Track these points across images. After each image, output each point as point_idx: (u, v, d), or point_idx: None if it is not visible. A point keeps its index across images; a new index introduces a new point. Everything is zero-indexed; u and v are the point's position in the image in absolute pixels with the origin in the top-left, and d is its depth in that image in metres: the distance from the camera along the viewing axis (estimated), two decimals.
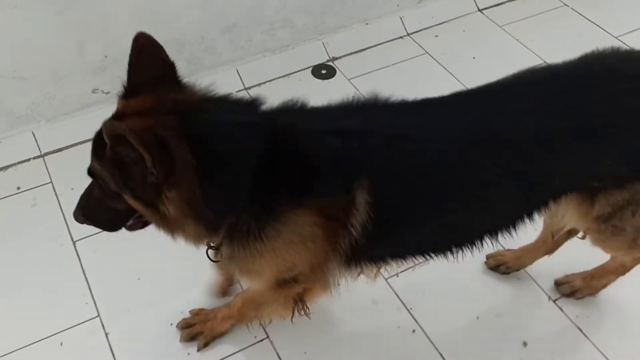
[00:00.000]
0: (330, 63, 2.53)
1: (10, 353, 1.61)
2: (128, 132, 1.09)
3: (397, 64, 2.51)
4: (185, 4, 2.18)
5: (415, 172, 1.30)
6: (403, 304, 1.74)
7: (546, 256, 1.80)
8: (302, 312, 1.57)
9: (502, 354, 1.65)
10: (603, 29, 2.62)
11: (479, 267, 1.83)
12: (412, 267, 1.60)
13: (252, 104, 1.30)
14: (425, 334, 1.67)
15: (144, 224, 1.37)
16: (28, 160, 2.14)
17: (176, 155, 1.15)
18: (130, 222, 1.39)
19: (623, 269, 1.77)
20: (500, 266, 1.84)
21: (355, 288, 1.55)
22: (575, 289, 1.79)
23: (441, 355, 1.63)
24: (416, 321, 1.70)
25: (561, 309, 1.74)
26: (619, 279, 1.76)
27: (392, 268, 1.55)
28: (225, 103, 1.30)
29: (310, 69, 2.50)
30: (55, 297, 1.74)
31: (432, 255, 1.48)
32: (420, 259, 1.51)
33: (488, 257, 1.85)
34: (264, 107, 1.30)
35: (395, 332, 1.69)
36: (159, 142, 1.13)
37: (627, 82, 1.33)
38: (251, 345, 1.68)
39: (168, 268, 1.79)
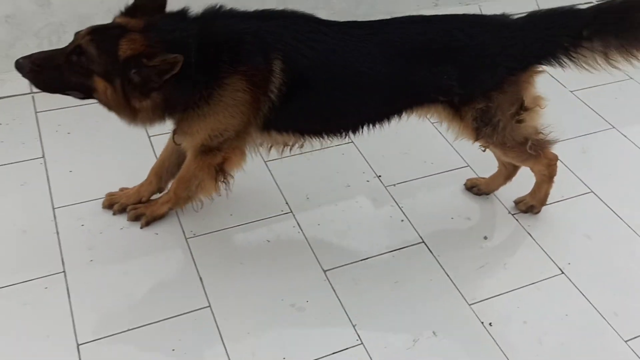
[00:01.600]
0: None
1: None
2: (174, 61, 1.60)
3: None
4: None
5: (313, 52, 1.78)
6: (400, 208, 2.27)
7: (507, 182, 2.26)
8: (224, 182, 1.97)
9: (466, 242, 2.17)
10: None
11: (458, 188, 2.36)
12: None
13: (184, 14, 1.78)
14: (412, 225, 2.19)
15: (82, 98, 1.79)
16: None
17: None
18: (71, 93, 1.77)
19: (547, 177, 2.18)
20: (473, 187, 2.34)
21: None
22: (528, 204, 2.25)
23: (425, 243, 2.15)
24: (405, 215, 2.22)
25: (517, 220, 2.25)
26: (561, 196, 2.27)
27: (295, 147, 2.00)
28: (169, 19, 1.75)
29: None
30: None
31: (325, 134, 1.96)
32: (316, 139, 1.97)
33: (467, 180, 2.37)
34: (192, 13, 1.78)
35: (388, 221, 2.21)
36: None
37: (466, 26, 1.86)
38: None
39: None
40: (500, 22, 1.90)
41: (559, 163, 2.17)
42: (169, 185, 2.12)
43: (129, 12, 1.76)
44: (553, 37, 1.86)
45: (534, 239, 2.17)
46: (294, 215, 2.19)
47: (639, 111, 2.84)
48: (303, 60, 1.77)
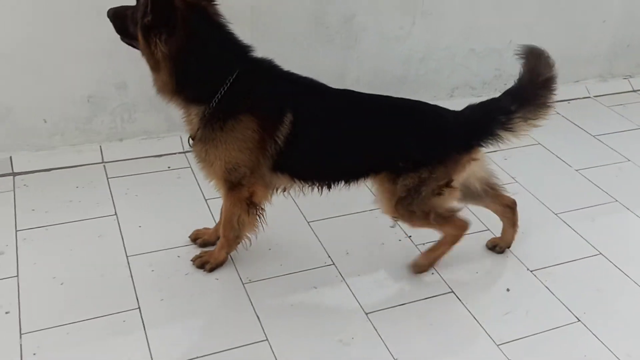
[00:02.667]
0: None
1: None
2: None
3: None
4: None
5: (319, 118, 2.14)
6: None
7: (516, 227, 2.56)
8: (258, 214, 2.26)
9: (491, 293, 2.44)
10: None
11: (480, 248, 2.65)
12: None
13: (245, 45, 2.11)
14: (441, 277, 2.47)
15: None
16: (175, 153, 3.13)
17: (172, 18, 1.90)
18: (133, 42, 2.03)
19: (450, 242, 2.43)
20: (495, 247, 2.61)
21: None
22: (419, 265, 2.46)
23: (454, 293, 2.41)
24: (434, 269, 2.50)
25: (535, 275, 2.52)
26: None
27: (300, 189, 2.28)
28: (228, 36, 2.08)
29: None
30: None
31: (318, 181, 2.26)
32: (313, 185, 2.27)
33: (488, 241, 2.64)
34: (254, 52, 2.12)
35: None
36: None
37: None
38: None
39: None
40: (452, 111, 2.28)
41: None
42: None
43: None
44: (492, 118, 2.22)
45: (551, 292, 2.43)
46: (336, 266, 2.47)
47: (638, 187, 3.17)
48: (308, 118, 2.14)
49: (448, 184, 2.23)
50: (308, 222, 2.69)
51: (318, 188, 2.31)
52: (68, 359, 2.00)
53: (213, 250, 2.42)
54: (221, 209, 2.42)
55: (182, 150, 3.12)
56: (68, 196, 2.74)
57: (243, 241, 2.37)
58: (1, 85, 2.74)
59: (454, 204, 2.34)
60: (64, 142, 2.95)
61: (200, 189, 2.84)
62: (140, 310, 2.18)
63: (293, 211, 2.74)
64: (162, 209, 2.72)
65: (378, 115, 2.22)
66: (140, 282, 2.30)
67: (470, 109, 2.28)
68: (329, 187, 2.32)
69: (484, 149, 2.29)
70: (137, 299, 2.23)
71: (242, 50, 2.11)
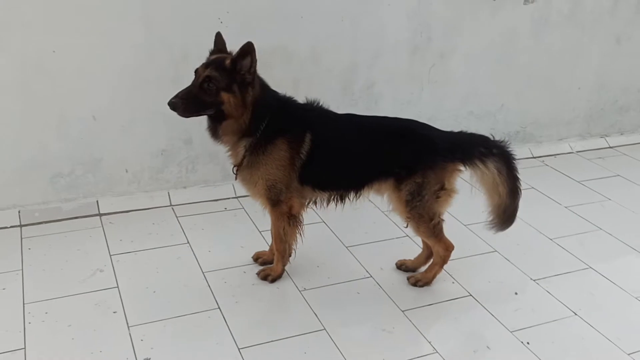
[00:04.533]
0: None
1: None
2: (252, 49, 2.46)
3: None
4: None
5: (330, 135, 2.71)
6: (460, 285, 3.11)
7: (428, 262, 2.99)
8: (297, 225, 2.79)
9: (502, 296, 2.96)
10: None
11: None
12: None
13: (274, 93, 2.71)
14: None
15: (213, 114, 2.56)
16: (229, 198, 3.73)
17: (256, 77, 2.56)
18: (206, 112, 2.54)
19: (441, 261, 2.89)
20: (402, 266, 3.07)
21: None
22: (417, 279, 2.95)
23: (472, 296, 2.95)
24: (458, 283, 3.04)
25: (538, 283, 3.07)
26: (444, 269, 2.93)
27: (322, 201, 2.82)
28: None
29: None
30: None
31: (334, 190, 2.80)
32: (329, 196, 2.80)
33: (397, 261, 3.11)
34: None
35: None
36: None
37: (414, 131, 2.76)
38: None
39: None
40: (441, 130, 2.82)
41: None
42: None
43: (215, 52, 2.63)
44: (476, 145, 2.73)
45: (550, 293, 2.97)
46: (373, 278, 3.01)
47: (618, 219, 3.75)
48: (323, 136, 2.69)
49: (442, 188, 2.70)
50: (347, 247, 3.25)
51: (334, 199, 2.82)
52: (169, 344, 2.51)
53: (272, 266, 2.96)
54: (271, 232, 2.95)
55: (234, 196, 3.72)
56: (147, 230, 3.32)
57: (292, 253, 2.91)
58: (93, 140, 3.38)
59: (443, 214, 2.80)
60: (139, 188, 3.55)
61: (254, 224, 3.42)
62: (220, 309, 2.71)
63: (333, 239, 3.32)
64: (226, 238, 3.29)
65: (377, 132, 2.74)
66: (216, 290, 2.84)
67: (461, 133, 2.81)
68: (342, 198, 2.82)
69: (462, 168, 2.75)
70: (216, 302, 2.76)
71: (273, 93, 2.72)
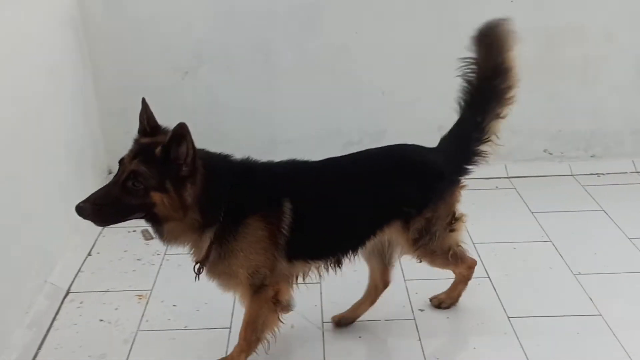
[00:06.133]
0: None
1: None
2: (186, 131, 1.85)
3: None
4: None
5: (314, 196, 2.17)
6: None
7: (371, 306, 2.50)
8: (284, 310, 2.20)
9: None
10: None
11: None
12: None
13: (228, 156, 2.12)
14: None
15: (142, 218, 1.97)
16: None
17: (197, 165, 1.93)
18: (132, 217, 1.95)
19: (465, 279, 2.55)
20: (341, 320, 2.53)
21: None
22: (441, 300, 2.60)
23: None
24: None
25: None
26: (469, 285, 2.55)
27: (314, 273, 2.27)
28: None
29: None
30: None
31: (331, 255, 2.25)
32: (325, 263, 2.25)
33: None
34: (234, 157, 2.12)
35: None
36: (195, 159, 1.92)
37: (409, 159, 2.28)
38: None
39: None
40: (431, 149, 2.35)
41: None
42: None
43: (144, 133, 2.02)
44: (468, 141, 2.32)
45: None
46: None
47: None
48: (304, 200, 2.16)
49: (454, 217, 2.33)
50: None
51: (332, 264, 2.31)
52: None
53: (230, 355, 2.30)
54: (244, 321, 2.27)
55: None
56: None
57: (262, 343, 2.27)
58: (379, 114, 3.74)
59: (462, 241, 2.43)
60: None
61: (527, 206, 3.43)
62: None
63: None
64: (497, 216, 3.36)
65: (369, 173, 2.26)
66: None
67: (445, 141, 2.37)
68: (342, 259, 2.31)
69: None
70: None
71: (224, 165, 2.12)
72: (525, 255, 2.98)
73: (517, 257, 2.97)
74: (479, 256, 2.90)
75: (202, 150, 2.03)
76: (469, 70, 2.32)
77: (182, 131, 1.88)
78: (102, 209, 1.91)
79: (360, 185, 2.23)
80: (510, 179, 3.72)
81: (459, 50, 3.56)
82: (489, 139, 2.33)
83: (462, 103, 2.35)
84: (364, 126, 3.76)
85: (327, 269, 2.31)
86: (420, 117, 3.69)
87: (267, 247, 2.11)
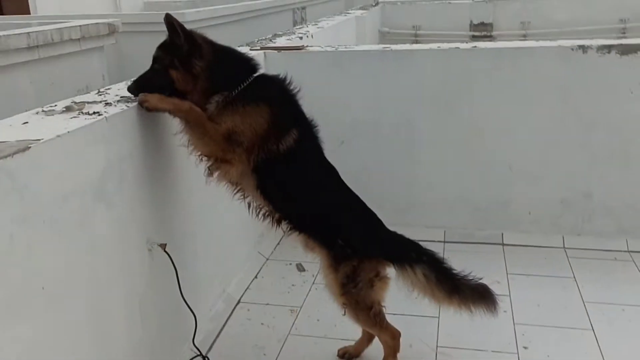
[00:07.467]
0: None
1: None
2: (175, 22, 2.33)
3: None
4: None
5: (311, 150, 2.62)
6: None
7: (369, 344, 2.86)
8: (211, 171, 2.48)
9: None
10: None
11: None
12: None
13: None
14: None
15: (169, 94, 2.39)
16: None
17: (197, 42, 2.41)
18: (162, 91, 2.38)
19: (392, 351, 2.69)
20: (345, 354, 2.93)
21: None
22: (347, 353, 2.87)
23: None
24: None
25: None
26: None
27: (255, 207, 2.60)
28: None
29: None
30: None
31: (292, 219, 2.62)
32: (287, 222, 2.62)
33: (338, 350, 3.00)
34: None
35: None
36: (191, 37, 2.40)
37: None
38: None
39: None
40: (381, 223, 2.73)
41: None
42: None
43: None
44: (409, 249, 2.66)
45: None
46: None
47: None
48: (306, 144, 2.58)
49: (377, 276, 2.59)
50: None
51: (273, 216, 2.62)
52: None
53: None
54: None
55: (626, 249, 4.01)
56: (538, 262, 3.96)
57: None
58: (507, 186, 4.23)
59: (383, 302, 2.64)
60: (539, 229, 4.25)
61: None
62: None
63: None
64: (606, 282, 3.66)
65: (344, 186, 2.68)
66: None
67: (398, 235, 2.72)
68: (279, 221, 2.63)
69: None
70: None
71: (252, 61, 2.61)
72: None
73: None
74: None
75: (225, 46, 2.59)
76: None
77: (169, 19, 2.36)
78: (143, 85, 2.46)
79: (336, 182, 2.68)
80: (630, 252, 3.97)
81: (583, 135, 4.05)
82: (411, 269, 2.64)
83: (438, 257, 2.73)
84: (490, 195, 4.27)
85: (267, 218, 2.64)
86: (544, 191, 4.16)
87: (256, 133, 2.44)
